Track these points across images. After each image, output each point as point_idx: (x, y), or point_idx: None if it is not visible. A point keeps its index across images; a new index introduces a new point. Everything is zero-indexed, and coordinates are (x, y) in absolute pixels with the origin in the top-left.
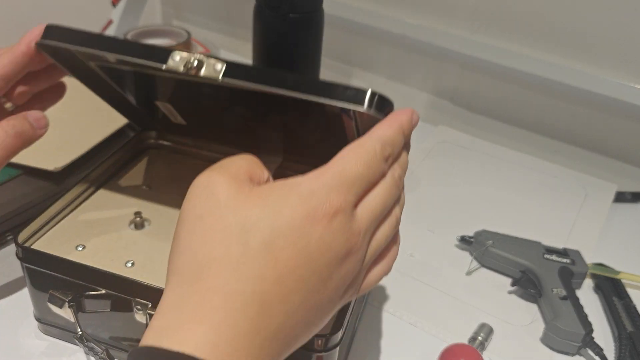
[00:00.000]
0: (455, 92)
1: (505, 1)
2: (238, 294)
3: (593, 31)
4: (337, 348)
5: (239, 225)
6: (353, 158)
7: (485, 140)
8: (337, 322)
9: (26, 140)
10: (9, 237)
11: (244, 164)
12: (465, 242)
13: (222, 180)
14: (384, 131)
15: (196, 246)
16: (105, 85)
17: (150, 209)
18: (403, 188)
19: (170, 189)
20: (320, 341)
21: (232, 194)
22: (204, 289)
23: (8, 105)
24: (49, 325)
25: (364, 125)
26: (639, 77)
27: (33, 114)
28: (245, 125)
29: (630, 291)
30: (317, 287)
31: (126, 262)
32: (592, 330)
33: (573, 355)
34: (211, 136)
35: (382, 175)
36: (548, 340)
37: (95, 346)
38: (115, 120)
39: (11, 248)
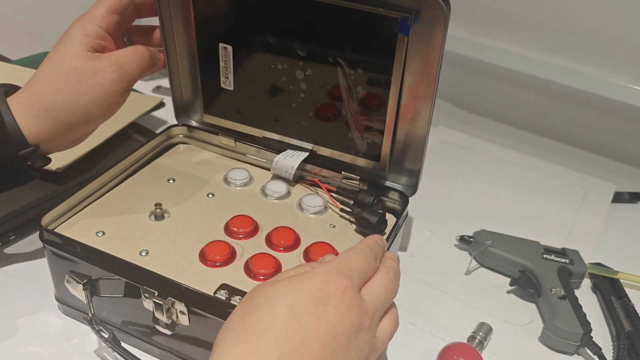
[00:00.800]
0: (454, 93)
1: (504, 2)
2: (267, 355)
3: (592, 32)
4: None
5: (268, 298)
6: (352, 253)
7: (485, 141)
8: None
9: (153, 65)
10: (11, 237)
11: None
12: (464, 241)
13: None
14: (368, 241)
15: (238, 321)
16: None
17: (171, 202)
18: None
19: (193, 184)
20: None
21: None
22: (240, 352)
23: (125, 39)
24: (67, 305)
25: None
26: (638, 78)
27: (155, 49)
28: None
29: (629, 291)
30: (337, 354)
31: (141, 251)
32: (590, 330)
33: (572, 354)
34: (248, 118)
35: (374, 270)
36: (547, 339)
37: (102, 329)
38: (117, 121)
39: (14, 247)
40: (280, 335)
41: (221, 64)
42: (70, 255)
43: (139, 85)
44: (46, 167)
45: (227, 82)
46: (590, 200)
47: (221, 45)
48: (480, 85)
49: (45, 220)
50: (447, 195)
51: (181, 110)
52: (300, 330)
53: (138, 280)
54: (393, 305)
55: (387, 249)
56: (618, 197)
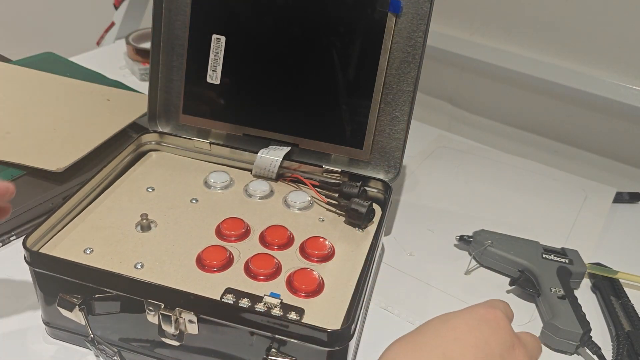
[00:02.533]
0: (454, 94)
1: (504, 3)
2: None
3: (592, 33)
4: (350, 342)
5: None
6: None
7: (485, 145)
8: (349, 317)
9: None
10: (12, 238)
11: None
12: (464, 241)
13: None
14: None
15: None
16: None
17: (155, 211)
18: None
19: (173, 191)
20: (333, 335)
21: None
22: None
23: None
24: (57, 329)
25: None
26: (638, 78)
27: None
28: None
29: (628, 291)
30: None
31: (135, 264)
32: (590, 330)
33: (571, 354)
34: (229, 114)
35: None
36: (546, 339)
37: (107, 348)
38: (117, 121)
39: (15, 248)
40: (442, 344)
41: (211, 56)
42: (64, 276)
43: (139, 85)
44: (47, 168)
45: (215, 75)
46: (591, 202)
47: (214, 36)
48: (480, 85)
49: (30, 241)
50: (447, 195)
51: (153, 117)
52: (458, 341)
53: (141, 294)
54: None
55: (377, 242)
56: (618, 198)
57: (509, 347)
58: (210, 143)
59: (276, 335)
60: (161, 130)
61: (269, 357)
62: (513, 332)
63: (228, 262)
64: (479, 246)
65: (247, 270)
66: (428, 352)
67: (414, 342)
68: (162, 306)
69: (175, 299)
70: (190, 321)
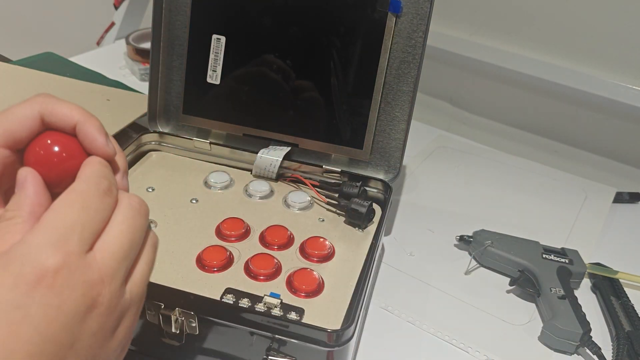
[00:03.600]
0: (454, 94)
1: (504, 3)
2: None
3: (592, 32)
4: (350, 342)
5: None
6: (64, 206)
7: (485, 145)
8: (349, 317)
9: None
10: None
11: None
12: (464, 241)
13: None
14: (88, 175)
15: None
16: None
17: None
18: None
19: (174, 191)
20: (333, 336)
21: None
22: None
23: None
24: None
25: None
26: (638, 78)
27: None
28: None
29: (628, 291)
30: (62, 355)
31: None
32: (590, 330)
33: (571, 354)
34: (229, 115)
35: (112, 209)
36: (546, 339)
37: None
38: (117, 121)
39: None
40: None
41: (211, 56)
42: None
43: (139, 85)
44: None
45: (215, 75)
46: (591, 203)
47: (214, 36)
48: (480, 85)
49: None
50: (447, 195)
51: (153, 117)
52: None
53: None
54: (145, 244)
55: (377, 242)
56: (618, 198)
57: (82, 317)
58: (210, 143)
59: (276, 335)
60: (161, 130)
61: (269, 357)
62: (81, 276)
63: (228, 262)
64: (479, 246)
65: (247, 270)
66: None
67: None
68: (162, 306)
69: (175, 299)
70: (191, 321)
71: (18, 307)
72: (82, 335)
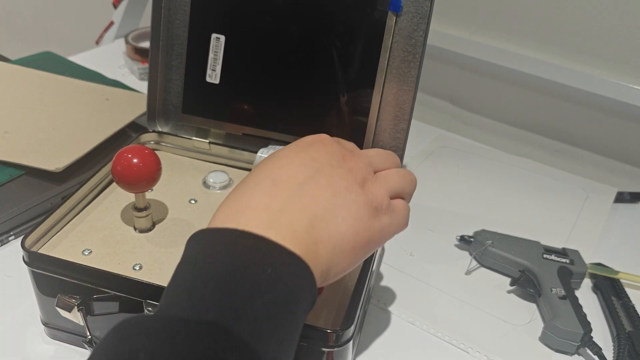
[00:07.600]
0: (455, 93)
1: (504, 2)
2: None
3: (593, 32)
4: (350, 343)
5: (265, 160)
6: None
7: (486, 144)
8: (348, 317)
9: None
10: (11, 238)
11: None
12: (464, 241)
13: None
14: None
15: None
16: None
17: (154, 212)
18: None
19: (172, 191)
20: (332, 336)
21: None
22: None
23: None
24: (56, 329)
25: None
26: (638, 78)
27: None
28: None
29: (629, 291)
30: (325, 171)
31: (134, 266)
32: (590, 330)
33: (572, 354)
34: (228, 114)
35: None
36: (547, 339)
37: None
38: (116, 121)
39: (13, 247)
40: (265, 170)
41: (210, 55)
42: (62, 276)
43: (138, 84)
44: (46, 168)
45: (214, 74)
46: (592, 203)
47: (214, 35)
48: (480, 85)
49: (28, 242)
50: (447, 195)
51: (153, 116)
52: (282, 159)
53: (140, 294)
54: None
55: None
56: (619, 197)
57: (339, 158)
58: (210, 143)
59: None
60: (160, 129)
61: None
62: (342, 147)
63: None
64: (480, 246)
65: None
66: (251, 188)
67: (238, 192)
68: None
69: None
70: None
71: (304, 149)
72: (343, 165)
